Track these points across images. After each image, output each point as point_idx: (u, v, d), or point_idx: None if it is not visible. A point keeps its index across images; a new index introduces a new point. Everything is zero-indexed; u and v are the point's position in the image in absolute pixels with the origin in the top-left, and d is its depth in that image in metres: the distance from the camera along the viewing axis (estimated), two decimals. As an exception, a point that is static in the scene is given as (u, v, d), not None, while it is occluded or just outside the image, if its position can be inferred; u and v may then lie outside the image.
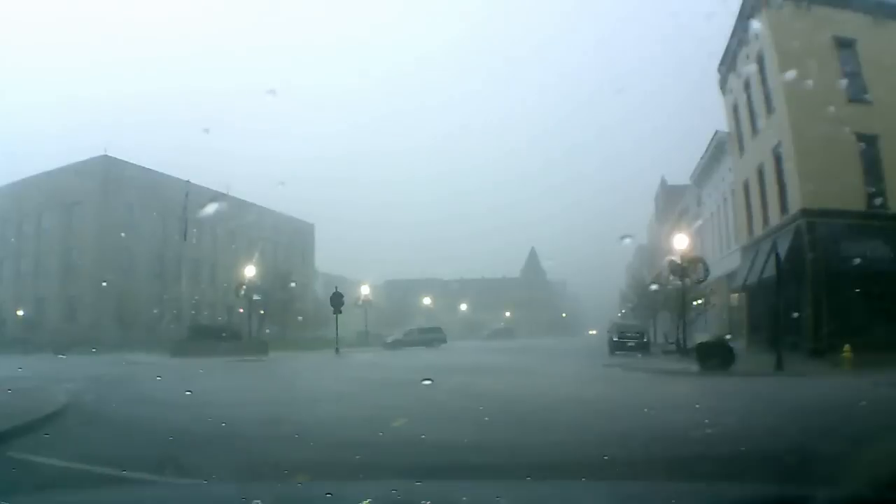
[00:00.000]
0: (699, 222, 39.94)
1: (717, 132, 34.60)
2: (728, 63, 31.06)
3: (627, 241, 56.76)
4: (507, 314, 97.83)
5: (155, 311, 49.21)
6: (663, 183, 62.85)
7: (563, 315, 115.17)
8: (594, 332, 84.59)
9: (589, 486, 4.24)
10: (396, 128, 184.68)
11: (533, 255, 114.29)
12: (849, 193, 22.68)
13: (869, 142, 23.35)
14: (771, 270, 23.86)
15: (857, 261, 21.62)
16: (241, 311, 43.51)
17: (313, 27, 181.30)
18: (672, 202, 53.28)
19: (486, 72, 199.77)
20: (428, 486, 3.65)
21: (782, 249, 22.39)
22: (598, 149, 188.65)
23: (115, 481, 5.76)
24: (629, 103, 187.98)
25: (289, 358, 32.15)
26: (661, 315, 40.96)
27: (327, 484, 3.47)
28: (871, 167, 23.34)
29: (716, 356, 20.06)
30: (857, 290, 22.06)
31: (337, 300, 36.82)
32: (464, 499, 3.26)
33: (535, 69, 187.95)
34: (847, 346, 18.56)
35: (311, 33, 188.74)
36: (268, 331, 45.57)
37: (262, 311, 43.94)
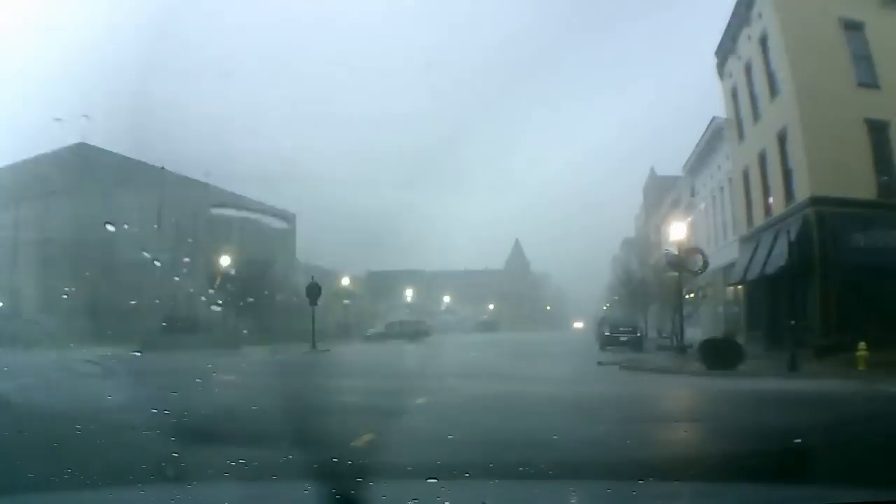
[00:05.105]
0: (692, 213, 38.72)
1: (714, 118, 33.22)
2: (727, 46, 29.80)
3: (613, 234, 55.66)
4: (491, 307, 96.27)
5: (132, 303, 47.59)
6: (652, 173, 61.81)
7: (548, 308, 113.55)
8: (580, 325, 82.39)
9: (587, 486, 4.23)
10: (381, 119, 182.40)
11: (517, 247, 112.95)
12: (859, 181, 21.56)
13: (879, 128, 22.28)
14: (775, 262, 22.69)
15: (870, 252, 20.48)
16: (220, 302, 41.89)
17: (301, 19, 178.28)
18: (662, 193, 52.16)
19: (466, 61, 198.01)
20: (435, 486, 3.81)
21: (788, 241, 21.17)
22: (584, 140, 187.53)
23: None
24: (616, 95, 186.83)
25: (256, 353, 29.96)
26: (651, 308, 39.76)
27: (330, 484, 3.39)
28: (882, 155, 22.21)
29: (723, 355, 18.69)
30: (870, 284, 20.81)
31: (313, 292, 34.73)
32: (463, 497, 3.23)
33: (520, 63, 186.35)
34: (863, 345, 17.31)
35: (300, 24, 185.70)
36: (242, 325, 43.87)
37: (240, 303, 42.32)
